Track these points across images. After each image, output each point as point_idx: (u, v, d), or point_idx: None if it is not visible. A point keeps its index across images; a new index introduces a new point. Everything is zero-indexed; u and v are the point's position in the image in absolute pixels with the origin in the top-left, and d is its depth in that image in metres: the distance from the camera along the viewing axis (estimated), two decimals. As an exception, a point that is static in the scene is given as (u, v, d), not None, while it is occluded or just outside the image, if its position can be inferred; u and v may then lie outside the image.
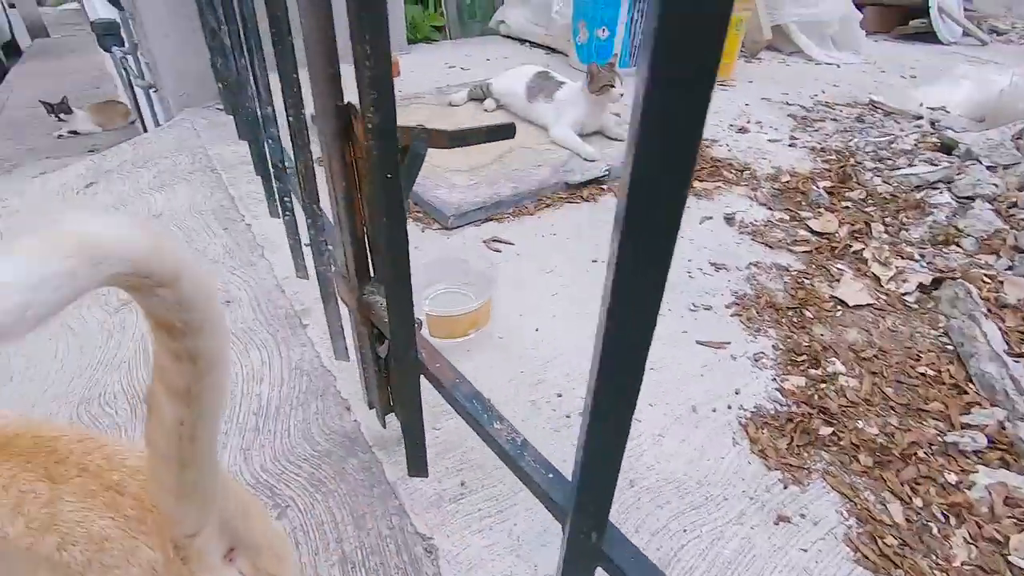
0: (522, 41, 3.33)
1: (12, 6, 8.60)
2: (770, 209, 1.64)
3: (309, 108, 0.74)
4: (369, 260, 0.74)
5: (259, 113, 1.01)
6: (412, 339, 0.64)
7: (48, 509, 0.45)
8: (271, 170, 1.09)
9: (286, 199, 1.11)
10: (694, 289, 1.32)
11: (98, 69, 6.02)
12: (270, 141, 1.03)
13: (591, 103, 1.91)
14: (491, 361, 1.11)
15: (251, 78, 1.22)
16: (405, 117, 2.09)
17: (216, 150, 1.91)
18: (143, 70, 2.73)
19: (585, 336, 1.17)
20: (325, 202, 0.77)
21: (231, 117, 2.00)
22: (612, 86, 1.86)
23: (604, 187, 1.75)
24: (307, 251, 1.25)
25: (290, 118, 0.76)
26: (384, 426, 0.93)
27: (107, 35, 3.08)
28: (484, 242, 1.47)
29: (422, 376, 0.69)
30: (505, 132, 0.77)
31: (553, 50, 3.15)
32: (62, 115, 3.73)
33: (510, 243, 1.47)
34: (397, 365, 0.67)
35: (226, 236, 1.49)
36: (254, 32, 1.07)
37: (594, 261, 1.40)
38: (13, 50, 7.21)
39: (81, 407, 1.06)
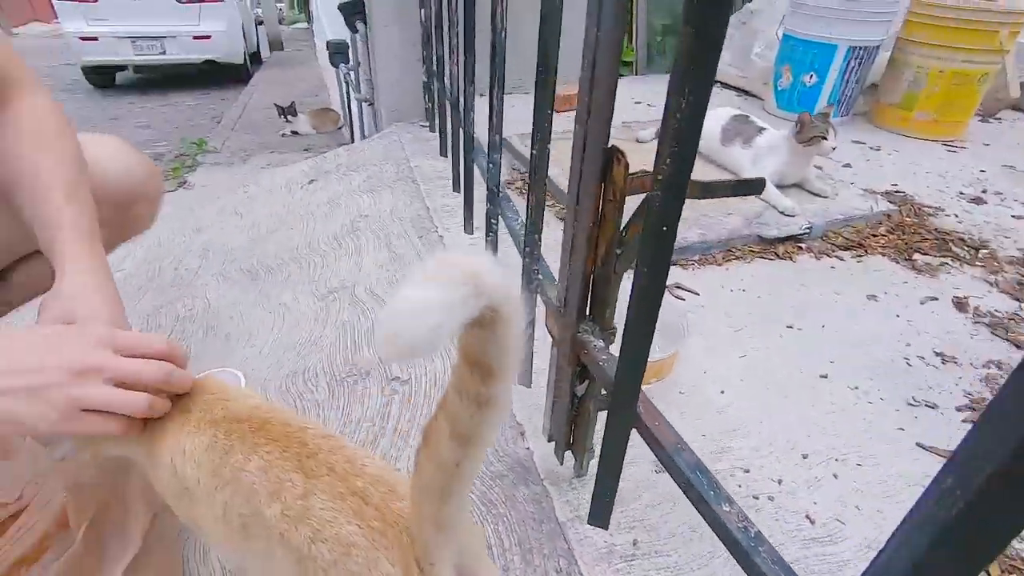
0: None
1: (261, 23, 10.37)
2: (1018, 300, 1.38)
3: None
4: (588, 299, 0.73)
5: (488, 138, 1.07)
6: (637, 393, 0.62)
7: (303, 502, 0.47)
8: (485, 192, 1.15)
9: (493, 221, 1.16)
10: (913, 380, 1.14)
11: (318, 80, 7.01)
12: (491, 165, 1.09)
13: (796, 153, 1.77)
14: (670, 417, 1.04)
15: (462, 103, 1.31)
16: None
17: (417, 163, 2.09)
18: (361, 85, 3.10)
19: (777, 410, 1.06)
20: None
21: (433, 134, 2.17)
22: (824, 138, 1.71)
23: (802, 245, 1.60)
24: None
25: (534, 151, 0.78)
26: (561, 462, 0.92)
27: (337, 53, 3.55)
28: (667, 287, 1.41)
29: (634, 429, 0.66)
30: (753, 188, 0.73)
31: (747, 93, 3.01)
32: (289, 117, 4.37)
33: (695, 292, 1.39)
34: (613, 415, 0.65)
35: (420, 243, 1.61)
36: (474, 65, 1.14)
37: (789, 327, 1.28)
38: (256, 59, 8.63)
39: (289, 379, 1.20)
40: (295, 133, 4.41)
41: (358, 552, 0.44)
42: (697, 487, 0.55)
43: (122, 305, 0.69)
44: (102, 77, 6.48)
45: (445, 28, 1.65)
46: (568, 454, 0.90)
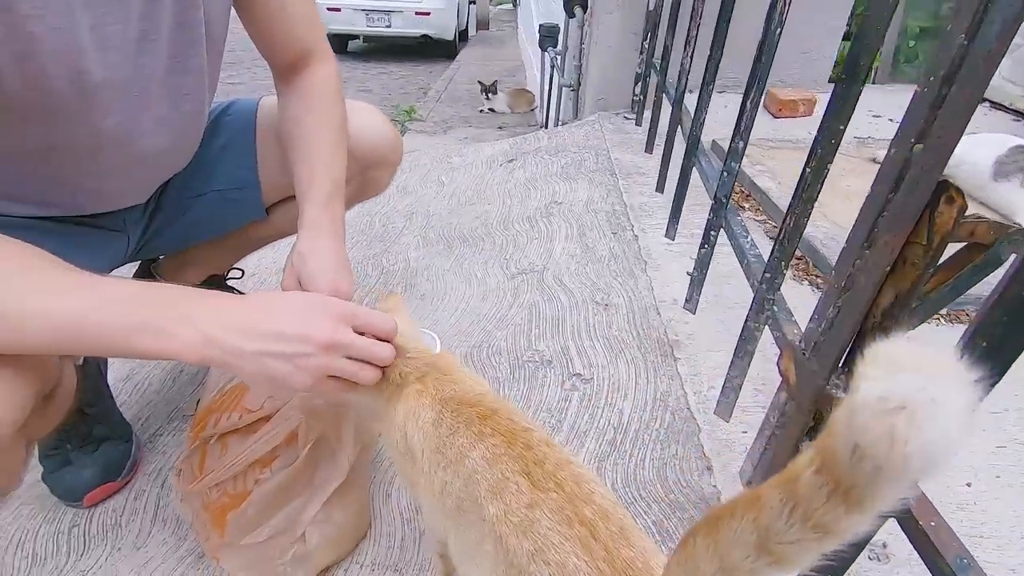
0: (982, 100, 2.68)
1: (473, 2, 11.00)
2: None
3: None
4: (847, 350, 0.62)
5: (731, 144, 0.98)
6: (917, 479, 0.51)
7: (528, 512, 0.45)
8: (710, 200, 1.06)
9: (712, 232, 1.06)
10: None
11: (517, 60, 7.26)
12: (725, 174, 0.99)
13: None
14: (894, 496, 0.89)
15: (695, 99, 1.21)
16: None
17: (618, 155, 2.03)
18: (567, 70, 3.11)
19: (1045, 526, 0.84)
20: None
21: (638, 128, 2.10)
22: None
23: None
24: (705, 288, 1.21)
25: (808, 169, 0.68)
26: (757, 516, 0.82)
27: (548, 37, 3.61)
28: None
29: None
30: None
31: (1027, 117, 2.45)
32: (489, 94, 4.58)
33: (937, 353, 1.16)
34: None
35: (613, 240, 1.56)
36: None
37: (1072, 424, 1.01)
38: (463, 37, 9.18)
39: (474, 350, 1.24)
40: (492, 110, 4.62)
41: None
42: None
43: (346, 265, 0.78)
44: (339, 43, 7.40)
45: (681, 17, 1.56)
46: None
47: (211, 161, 0.94)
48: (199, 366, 0.53)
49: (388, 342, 0.60)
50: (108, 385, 1.03)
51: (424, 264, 1.60)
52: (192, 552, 0.86)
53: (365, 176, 1.06)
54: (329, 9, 6.73)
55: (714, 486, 0.90)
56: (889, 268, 0.54)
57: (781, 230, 0.73)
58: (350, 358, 0.57)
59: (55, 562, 0.87)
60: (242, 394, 0.85)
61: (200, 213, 0.96)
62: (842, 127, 0.64)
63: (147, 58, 0.67)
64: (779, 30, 0.86)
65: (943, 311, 1.28)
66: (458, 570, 0.59)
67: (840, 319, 0.61)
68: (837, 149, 0.66)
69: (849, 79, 0.62)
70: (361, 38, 7.86)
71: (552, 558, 0.42)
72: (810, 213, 0.71)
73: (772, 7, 0.85)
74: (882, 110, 2.49)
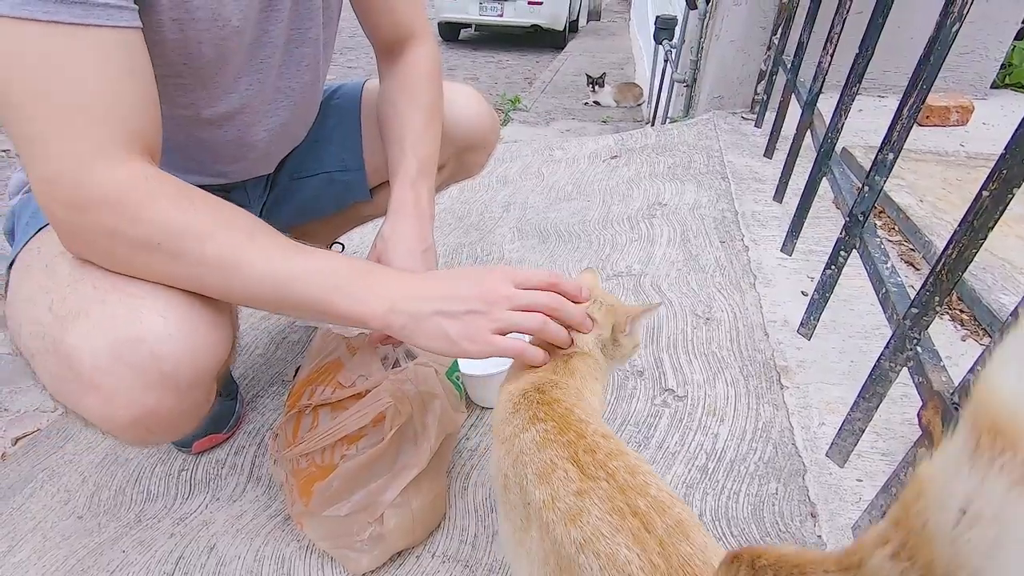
0: None
1: (587, -7, 10.80)
2: None
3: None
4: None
5: (877, 156, 0.86)
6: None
7: (577, 500, 0.43)
8: (846, 218, 0.94)
9: (843, 253, 0.95)
10: None
11: (626, 52, 7.06)
12: (867, 189, 0.88)
13: None
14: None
15: (834, 103, 1.08)
16: (961, 187, 1.64)
17: (731, 158, 1.90)
18: (681, 65, 2.96)
19: None
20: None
21: (758, 130, 1.95)
22: None
23: None
24: (825, 312, 1.10)
25: (986, 191, 0.58)
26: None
27: (664, 29, 3.45)
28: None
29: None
30: None
31: None
32: (596, 87, 4.48)
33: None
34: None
35: (721, 249, 1.46)
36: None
37: None
38: (573, 27, 9.06)
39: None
40: (596, 103, 4.52)
41: None
42: None
43: (425, 249, 0.79)
44: (451, 31, 7.58)
45: (824, 9, 1.41)
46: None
47: (321, 142, 0.97)
48: (379, 330, 0.59)
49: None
50: (223, 345, 1.11)
51: (517, 257, 1.58)
52: (280, 513, 0.90)
53: (461, 159, 1.05)
54: (444, -2, 6.90)
55: (818, 536, 0.81)
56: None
57: (940, 261, 0.63)
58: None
59: (164, 502, 0.95)
60: (338, 369, 0.87)
61: (310, 193, 1.00)
62: (1042, 143, 0.53)
63: (271, 25, 0.71)
64: (958, 26, 0.74)
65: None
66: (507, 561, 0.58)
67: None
68: (1032, 171, 0.55)
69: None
70: (473, 27, 7.99)
71: (602, 549, 0.40)
72: (981, 245, 0.60)
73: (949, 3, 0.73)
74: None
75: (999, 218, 0.58)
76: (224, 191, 0.87)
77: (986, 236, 0.59)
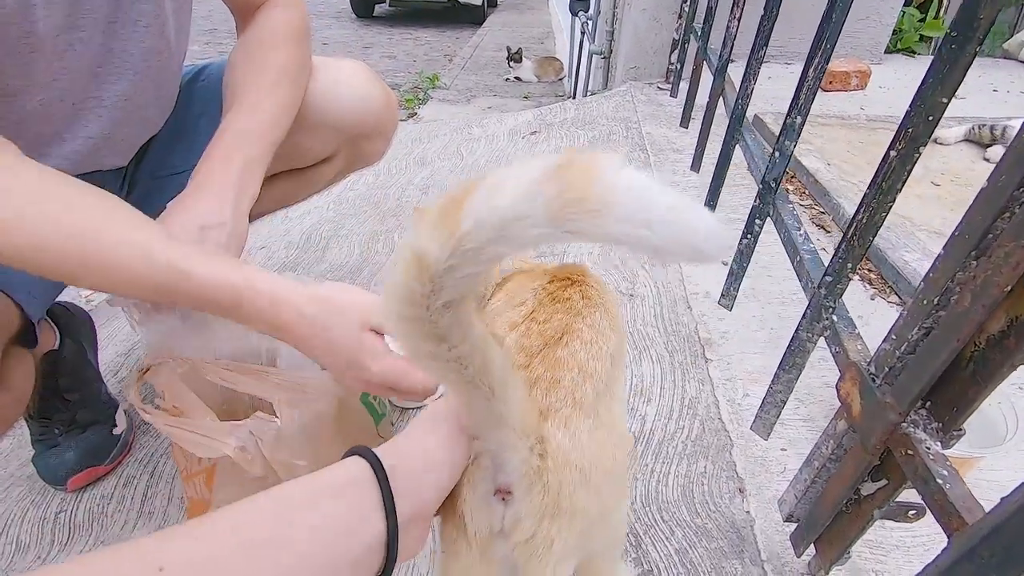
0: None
1: (504, -33, 10.56)
2: None
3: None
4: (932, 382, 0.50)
5: (786, 120, 0.84)
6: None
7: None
8: (759, 185, 0.93)
9: (758, 221, 0.94)
10: None
11: (546, 27, 6.98)
12: (777, 155, 0.86)
13: None
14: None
15: (744, 69, 1.07)
16: (865, 149, 1.71)
17: (649, 129, 1.88)
18: (598, 36, 2.92)
19: None
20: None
21: (674, 100, 1.94)
22: None
23: None
24: (744, 280, 1.09)
25: (894, 151, 0.55)
26: (798, 554, 0.71)
27: (579, 0, 3.40)
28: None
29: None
30: None
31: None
32: (514, 62, 4.39)
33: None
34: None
35: (642, 223, 1.43)
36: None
37: None
38: (492, 2, 8.85)
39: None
40: (517, 79, 4.43)
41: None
42: None
43: (206, 230, 0.66)
44: (365, 7, 7.20)
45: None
46: (811, 548, 0.70)
47: (187, 132, 0.84)
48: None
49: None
50: (96, 368, 0.96)
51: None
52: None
53: (355, 146, 0.94)
54: (355, -29, 6.52)
55: (747, 512, 0.79)
56: (1009, 288, 0.42)
57: (852, 226, 0.60)
58: None
59: (37, 551, 0.82)
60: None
61: (177, 194, 0.87)
62: (945, 100, 0.51)
63: None
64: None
65: None
66: None
67: (929, 344, 0.49)
68: (935, 128, 0.53)
69: (961, 38, 0.48)
70: (388, 2, 7.64)
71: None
72: (890, 208, 0.58)
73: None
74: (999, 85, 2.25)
75: (907, 178, 0.56)
76: None
77: (895, 198, 0.57)
